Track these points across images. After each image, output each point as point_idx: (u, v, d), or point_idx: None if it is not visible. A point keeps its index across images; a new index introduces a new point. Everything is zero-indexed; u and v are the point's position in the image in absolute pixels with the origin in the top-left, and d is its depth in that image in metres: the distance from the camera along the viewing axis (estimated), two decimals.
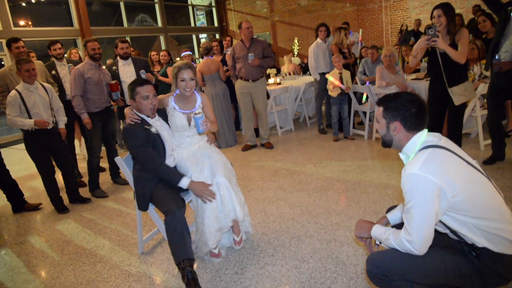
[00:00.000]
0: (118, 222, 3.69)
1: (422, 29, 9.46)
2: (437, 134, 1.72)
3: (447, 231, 1.71)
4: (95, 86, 4.18)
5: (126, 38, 11.93)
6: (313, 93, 7.11)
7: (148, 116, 2.70)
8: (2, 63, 9.07)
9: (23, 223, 3.96)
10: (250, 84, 5.45)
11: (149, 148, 2.57)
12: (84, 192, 4.50)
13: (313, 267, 2.57)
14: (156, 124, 2.73)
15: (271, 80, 7.02)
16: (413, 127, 1.70)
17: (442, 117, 3.85)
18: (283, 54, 10.58)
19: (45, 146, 3.85)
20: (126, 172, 2.72)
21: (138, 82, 2.66)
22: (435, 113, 3.79)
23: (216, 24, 15.50)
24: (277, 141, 6.05)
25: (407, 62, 6.49)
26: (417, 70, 6.49)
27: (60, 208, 4.03)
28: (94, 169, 4.40)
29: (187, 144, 2.86)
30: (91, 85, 4.16)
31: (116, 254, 3.07)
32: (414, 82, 5.48)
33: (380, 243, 1.82)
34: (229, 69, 5.67)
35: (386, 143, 1.81)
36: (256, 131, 5.99)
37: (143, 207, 2.68)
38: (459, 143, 3.77)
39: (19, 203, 4.26)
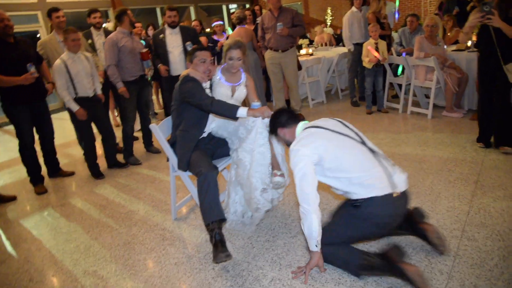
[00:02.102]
0: (152, 189, 3.79)
1: None
2: (319, 120, 2.23)
3: (339, 192, 2.15)
4: (129, 54, 4.20)
5: (156, 8, 11.94)
6: (346, 64, 6.94)
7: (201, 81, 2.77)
8: (38, 35, 9.28)
9: (62, 187, 4.15)
10: (280, 54, 5.36)
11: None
12: (119, 159, 4.63)
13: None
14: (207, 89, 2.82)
15: (303, 51, 6.87)
16: (291, 123, 2.30)
17: (492, 94, 3.67)
18: (315, 25, 10.30)
19: (88, 113, 3.97)
20: (161, 139, 2.76)
21: (199, 47, 2.86)
22: (488, 89, 3.64)
23: None
24: (308, 113, 5.97)
25: (448, 33, 6.18)
26: (457, 41, 6.17)
27: (97, 174, 4.19)
28: (129, 137, 4.50)
29: None
30: (125, 53, 4.18)
31: (150, 219, 3.17)
32: (455, 53, 5.22)
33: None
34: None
35: (289, 145, 2.23)
36: (287, 102, 5.93)
37: (183, 166, 2.69)
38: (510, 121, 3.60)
39: (55, 169, 4.44)
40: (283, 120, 2.32)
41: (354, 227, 2.03)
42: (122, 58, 4.19)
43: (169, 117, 2.93)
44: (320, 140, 2.03)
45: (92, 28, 4.77)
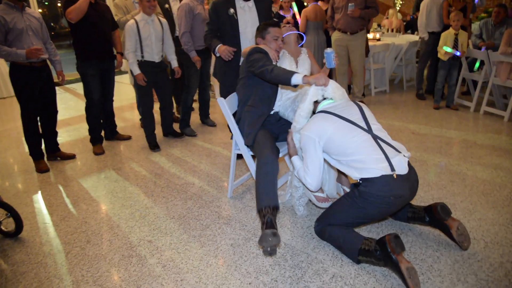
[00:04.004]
0: (207, 163, 3.73)
1: None
2: (338, 105, 2.31)
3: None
4: (202, 23, 4.05)
5: None
6: (415, 54, 6.52)
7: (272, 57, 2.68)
8: None
9: (119, 151, 4.19)
10: (348, 37, 5.07)
11: None
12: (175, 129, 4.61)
13: (413, 241, 2.37)
14: None
15: (370, 35, 6.50)
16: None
17: None
18: (383, 9, 9.74)
19: (150, 79, 3.93)
20: (228, 113, 2.63)
21: (272, 22, 2.79)
22: None
23: None
24: (369, 101, 5.68)
25: None
26: None
27: (154, 146, 4.14)
28: (188, 107, 4.44)
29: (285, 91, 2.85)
30: (199, 22, 4.04)
31: (205, 194, 3.10)
32: None
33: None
34: None
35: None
36: (349, 88, 5.65)
37: (250, 142, 2.57)
38: None
39: (113, 132, 4.49)
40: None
41: (355, 206, 2.12)
42: (195, 27, 4.05)
43: (234, 93, 2.81)
44: (329, 126, 2.16)
45: None
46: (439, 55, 5.00)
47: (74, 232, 2.66)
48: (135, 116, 5.55)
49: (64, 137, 4.76)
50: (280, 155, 2.59)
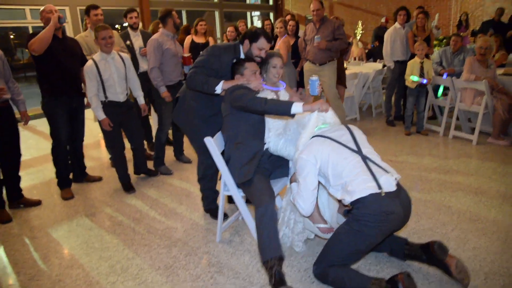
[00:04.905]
0: (188, 203, 3.54)
1: (504, 19, 8.64)
2: (331, 129, 2.35)
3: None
4: (172, 58, 3.95)
5: (182, 11, 11.78)
6: (381, 81, 6.71)
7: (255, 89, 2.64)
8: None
9: (90, 194, 3.89)
10: (317, 67, 5.14)
11: None
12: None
13: (413, 278, 2.29)
14: None
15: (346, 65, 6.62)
16: None
17: None
18: None
19: (117, 119, 3.69)
20: (216, 153, 2.49)
21: (247, 58, 2.75)
22: None
23: (271, 2, 14.99)
24: None
25: (494, 55, 5.91)
26: (503, 64, 5.91)
27: (128, 187, 3.88)
28: (162, 144, 4.25)
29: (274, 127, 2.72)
30: (168, 57, 3.93)
31: (191, 239, 2.90)
32: (505, 78, 4.95)
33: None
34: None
35: None
36: None
37: (247, 176, 2.41)
38: None
39: (81, 174, 4.20)
40: None
41: (352, 232, 2.10)
42: (164, 62, 3.94)
43: (219, 133, 2.70)
44: (325, 149, 2.19)
45: (129, 29, 4.55)
46: (407, 83, 5.14)
47: None
48: (104, 154, 5.25)
49: (26, 181, 4.36)
50: (275, 192, 2.48)
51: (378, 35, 7.70)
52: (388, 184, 2.07)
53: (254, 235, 2.47)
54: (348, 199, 2.09)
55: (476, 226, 2.87)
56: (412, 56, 5.26)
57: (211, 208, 3.20)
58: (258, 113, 2.55)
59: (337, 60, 5.25)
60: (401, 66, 5.46)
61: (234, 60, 2.80)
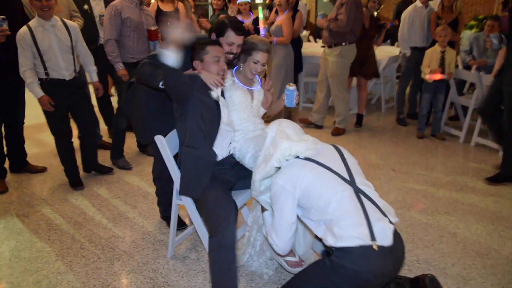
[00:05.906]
0: (144, 207, 3.51)
1: None
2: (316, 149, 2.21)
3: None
4: (134, 29, 3.88)
5: None
6: (395, 70, 6.65)
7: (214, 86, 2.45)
8: None
9: (28, 188, 3.86)
10: (326, 49, 5.25)
11: None
12: (104, 159, 4.36)
13: None
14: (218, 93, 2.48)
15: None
16: None
17: None
18: None
19: (62, 101, 3.61)
20: (168, 156, 2.45)
21: (210, 40, 2.58)
22: None
23: None
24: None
25: None
26: None
27: (74, 183, 3.85)
28: (121, 131, 4.21)
29: (242, 130, 2.67)
30: (130, 28, 3.86)
31: (139, 252, 2.88)
32: None
33: None
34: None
35: None
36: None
37: (197, 194, 2.38)
38: None
39: (20, 162, 4.16)
40: None
41: (325, 280, 1.99)
42: (125, 34, 3.87)
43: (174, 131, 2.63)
44: (307, 174, 2.05)
45: None
46: (422, 76, 5.08)
47: None
48: (52, 139, 5.19)
49: None
50: (238, 206, 2.44)
51: (402, 12, 7.49)
52: (384, 235, 1.92)
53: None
54: (331, 242, 1.94)
55: (484, 262, 2.81)
56: (434, 43, 5.19)
57: (168, 216, 3.14)
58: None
59: (362, 45, 5.22)
60: (419, 54, 5.39)
61: None
